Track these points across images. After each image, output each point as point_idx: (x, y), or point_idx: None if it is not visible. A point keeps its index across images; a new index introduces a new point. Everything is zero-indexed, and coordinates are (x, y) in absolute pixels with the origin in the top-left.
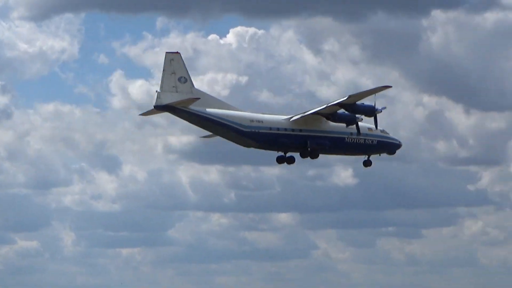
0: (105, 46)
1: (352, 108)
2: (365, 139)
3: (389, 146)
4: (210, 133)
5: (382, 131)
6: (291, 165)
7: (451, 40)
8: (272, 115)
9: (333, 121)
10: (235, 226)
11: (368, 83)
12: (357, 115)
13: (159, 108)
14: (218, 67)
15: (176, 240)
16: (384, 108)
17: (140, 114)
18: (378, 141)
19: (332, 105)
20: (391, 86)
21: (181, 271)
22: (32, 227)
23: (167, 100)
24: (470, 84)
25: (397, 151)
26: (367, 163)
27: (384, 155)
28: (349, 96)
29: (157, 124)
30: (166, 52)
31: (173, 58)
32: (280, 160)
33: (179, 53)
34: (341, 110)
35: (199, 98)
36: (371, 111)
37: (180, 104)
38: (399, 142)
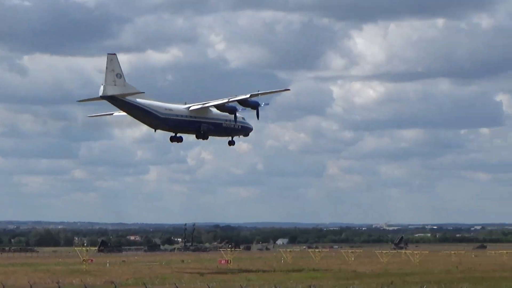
0: None
1: (245, 102)
2: (234, 124)
3: (247, 130)
4: (97, 114)
5: (243, 118)
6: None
7: None
8: (176, 104)
9: (221, 110)
10: None
11: None
12: (237, 107)
13: (105, 97)
14: None
15: None
16: (267, 104)
17: (78, 101)
18: (241, 126)
19: (234, 100)
20: (289, 89)
21: None
22: None
23: (110, 91)
24: None
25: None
26: (231, 143)
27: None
28: (251, 95)
29: None
30: (108, 54)
31: (112, 59)
32: (172, 139)
33: (115, 54)
34: (229, 103)
35: (144, 92)
36: (257, 105)
37: (124, 95)
38: (252, 126)
